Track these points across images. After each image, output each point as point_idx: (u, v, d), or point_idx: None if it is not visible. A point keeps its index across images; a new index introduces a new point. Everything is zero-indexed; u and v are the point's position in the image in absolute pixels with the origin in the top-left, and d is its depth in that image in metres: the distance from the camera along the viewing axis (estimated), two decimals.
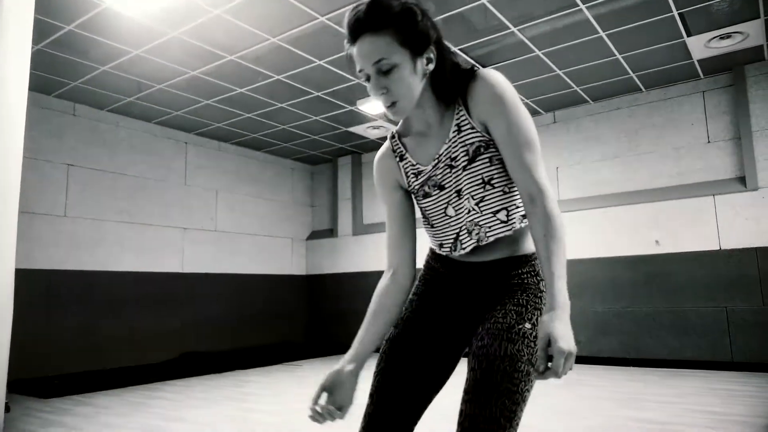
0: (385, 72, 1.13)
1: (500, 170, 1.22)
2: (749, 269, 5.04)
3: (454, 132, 1.23)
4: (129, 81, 5.28)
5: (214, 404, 4.14)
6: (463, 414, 1.08)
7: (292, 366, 6.33)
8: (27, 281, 4.95)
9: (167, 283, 6.46)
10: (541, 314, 1.21)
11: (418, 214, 1.39)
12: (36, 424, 3.53)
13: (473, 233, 1.25)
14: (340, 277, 8.08)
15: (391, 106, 1.17)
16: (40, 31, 4.18)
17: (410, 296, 1.38)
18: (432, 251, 1.42)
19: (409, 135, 1.33)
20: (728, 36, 4.61)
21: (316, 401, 1.19)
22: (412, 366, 1.27)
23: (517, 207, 1.24)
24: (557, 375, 0.98)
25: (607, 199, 5.96)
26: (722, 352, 5.09)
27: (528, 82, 5.50)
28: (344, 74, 5.21)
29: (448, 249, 1.32)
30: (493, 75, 1.18)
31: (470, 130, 1.21)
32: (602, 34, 4.52)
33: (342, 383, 1.22)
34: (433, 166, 1.27)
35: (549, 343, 1.00)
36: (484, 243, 1.25)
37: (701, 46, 4.78)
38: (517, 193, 1.24)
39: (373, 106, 6.00)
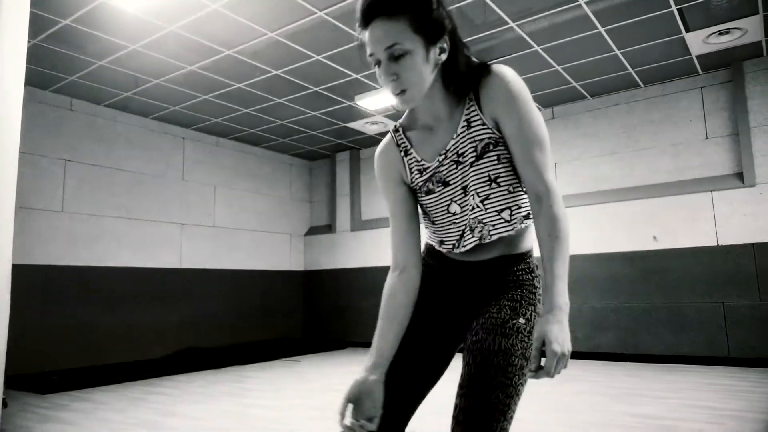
0: (396, 58, 1.10)
1: (507, 169, 1.21)
2: (746, 265, 5.05)
3: (463, 127, 1.21)
4: (126, 76, 5.26)
5: (213, 399, 4.14)
6: (457, 408, 1.09)
7: (291, 361, 6.33)
8: (24, 277, 4.94)
9: (165, 278, 6.46)
10: (535, 309, 1.22)
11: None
12: (33, 419, 3.53)
13: (476, 231, 1.24)
14: (338, 272, 8.08)
15: (400, 93, 1.14)
16: (37, 25, 4.16)
17: None
18: (427, 247, 1.41)
19: (414, 129, 1.30)
20: (727, 32, 4.60)
21: (344, 416, 1.15)
22: (407, 361, 1.27)
23: (520, 207, 1.23)
24: (550, 375, 1.01)
25: (605, 195, 5.96)
26: (719, 347, 5.11)
27: (527, 77, 5.49)
28: (343, 69, 5.20)
29: (450, 246, 1.30)
30: (509, 71, 1.17)
31: (481, 126, 1.20)
32: (601, 29, 4.51)
33: (368, 393, 1.18)
34: (439, 162, 1.25)
35: (544, 343, 1.02)
36: (486, 241, 1.23)
37: (700, 42, 4.78)
38: (520, 193, 1.23)
39: (371, 101, 5.98)
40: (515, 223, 1.22)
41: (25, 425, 3.38)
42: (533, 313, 1.21)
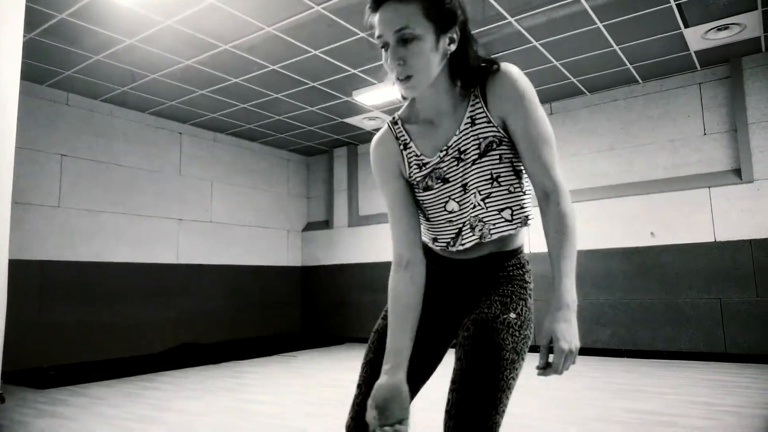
0: (405, 42, 1.08)
1: (508, 169, 1.20)
2: (744, 261, 5.07)
3: (466, 123, 1.19)
4: (123, 70, 5.23)
5: (210, 395, 4.14)
6: (450, 402, 1.10)
7: (288, 357, 6.33)
8: (21, 272, 4.93)
9: (162, 274, 6.45)
10: (526, 304, 1.22)
11: None
12: (31, 414, 3.53)
13: (476, 229, 1.22)
14: (335, 268, 8.08)
15: (406, 79, 1.11)
16: (32, 19, 4.13)
17: None
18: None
19: (414, 122, 1.27)
20: (725, 27, 4.60)
21: (374, 425, 1.10)
22: None
23: (522, 208, 1.22)
24: (557, 372, 1.02)
25: (603, 190, 5.96)
26: (716, 343, 5.13)
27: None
28: (340, 64, 5.18)
29: (445, 244, 1.28)
30: (517, 69, 1.17)
31: (486, 124, 1.18)
32: (599, 25, 4.50)
33: (395, 396, 1.12)
34: (440, 158, 1.23)
35: (551, 340, 1.03)
36: (486, 240, 1.22)
37: (698, 37, 4.77)
38: (520, 194, 1.22)
39: (369, 97, 5.96)
40: (517, 222, 1.21)
41: (22, 420, 3.38)
42: (524, 308, 1.21)
